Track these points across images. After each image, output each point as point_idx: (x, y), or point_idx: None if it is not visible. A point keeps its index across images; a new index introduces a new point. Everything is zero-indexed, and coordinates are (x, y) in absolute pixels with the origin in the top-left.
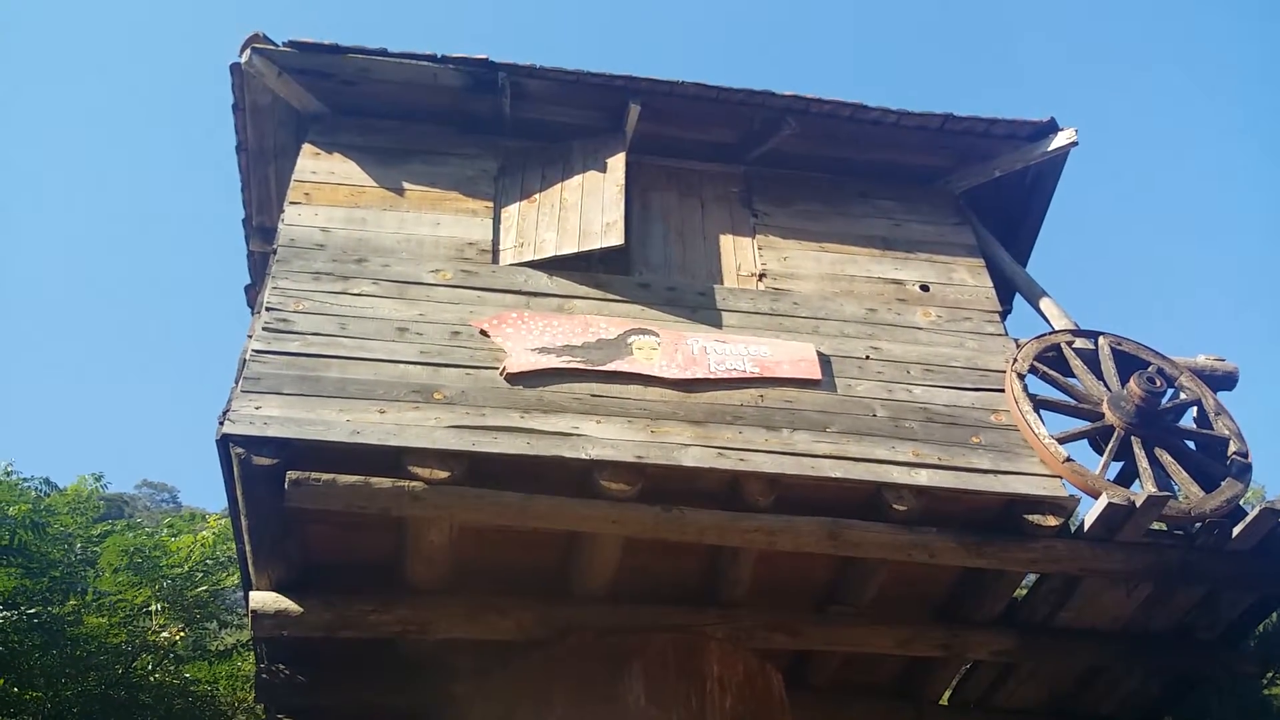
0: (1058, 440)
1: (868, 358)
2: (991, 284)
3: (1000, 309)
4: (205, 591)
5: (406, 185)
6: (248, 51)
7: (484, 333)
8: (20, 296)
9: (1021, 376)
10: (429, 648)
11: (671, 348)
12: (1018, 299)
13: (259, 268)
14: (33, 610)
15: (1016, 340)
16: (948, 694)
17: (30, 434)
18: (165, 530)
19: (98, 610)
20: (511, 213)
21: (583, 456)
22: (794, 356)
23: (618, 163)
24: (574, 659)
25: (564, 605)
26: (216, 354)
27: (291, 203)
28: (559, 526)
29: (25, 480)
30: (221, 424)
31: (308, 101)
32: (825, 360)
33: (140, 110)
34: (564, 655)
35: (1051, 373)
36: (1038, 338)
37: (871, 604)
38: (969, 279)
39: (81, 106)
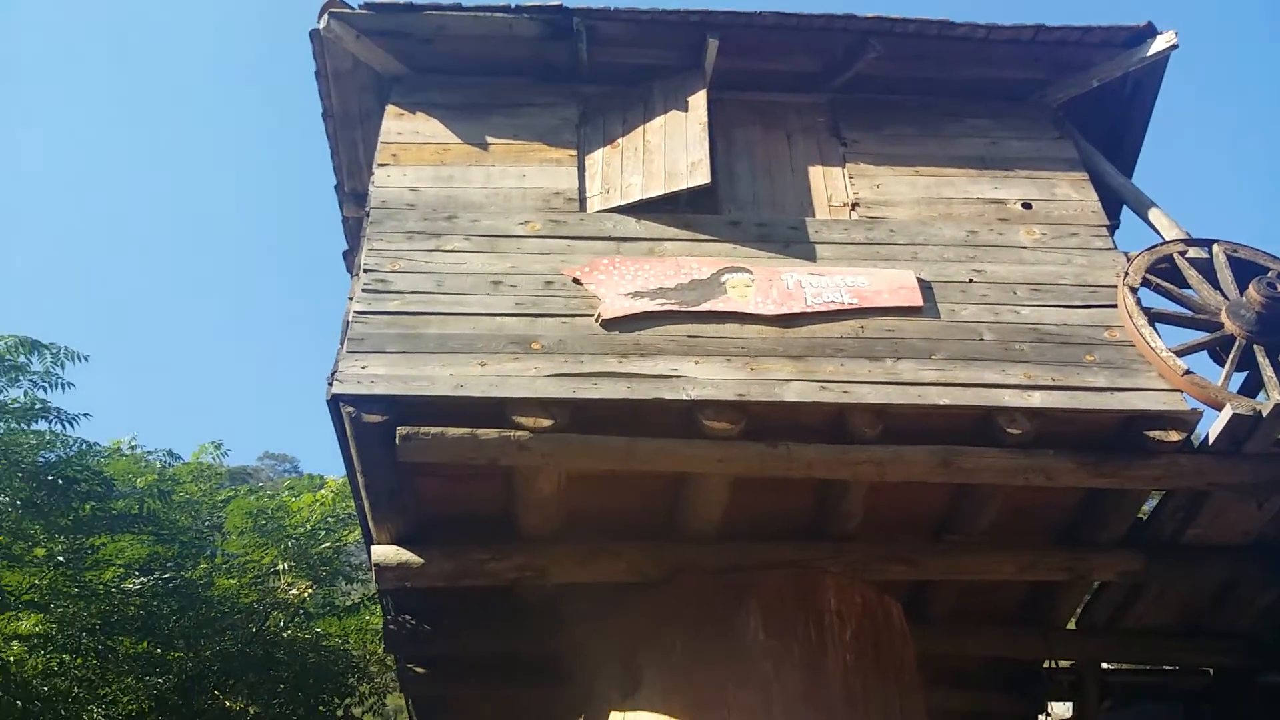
0: (1176, 353)
1: (971, 281)
2: (1096, 197)
3: (1107, 223)
4: (329, 548)
5: (490, 139)
6: (325, 16)
7: (576, 281)
8: (143, 284)
9: (1134, 290)
10: (547, 593)
11: (766, 284)
12: (1125, 211)
13: (354, 233)
14: (167, 575)
15: (1126, 254)
16: (1075, 618)
17: (156, 414)
18: (286, 492)
19: (227, 572)
20: (595, 159)
21: (683, 398)
22: (893, 284)
23: (699, 100)
24: (690, 597)
25: (676, 546)
26: (328, 323)
27: (380, 165)
28: (665, 468)
29: (149, 453)
30: (330, 385)
31: (388, 63)
32: (926, 286)
33: (244, 89)
34: (680, 594)
35: (1165, 284)
36: (1148, 249)
37: (989, 530)
38: (1073, 194)
39: (186, 88)
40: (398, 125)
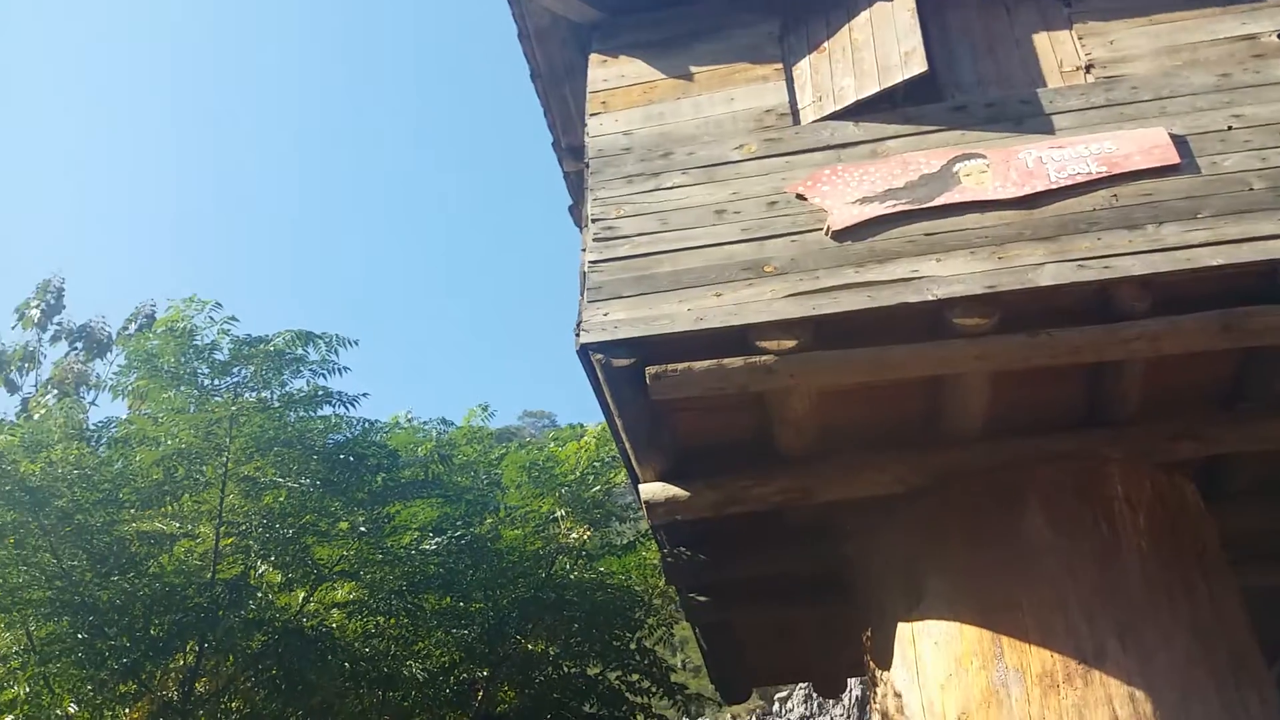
0: None
1: (1230, 129)
2: None
3: None
4: (599, 492)
5: (694, 69)
6: None
7: (800, 196)
8: (397, 267)
9: None
10: (816, 512)
11: (1003, 166)
12: None
13: (576, 187)
14: (458, 533)
15: None
16: None
17: (421, 386)
18: (552, 443)
19: (511, 524)
20: (803, 69)
21: (929, 298)
22: (1144, 145)
23: None
24: (964, 502)
25: (941, 451)
26: (566, 280)
27: (591, 115)
28: (919, 374)
29: (425, 423)
30: (578, 335)
31: (584, 11)
32: (1181, 141)
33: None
34: (954, 498)
35: None
36: None
37: None
38: None
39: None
40: (602, 72)
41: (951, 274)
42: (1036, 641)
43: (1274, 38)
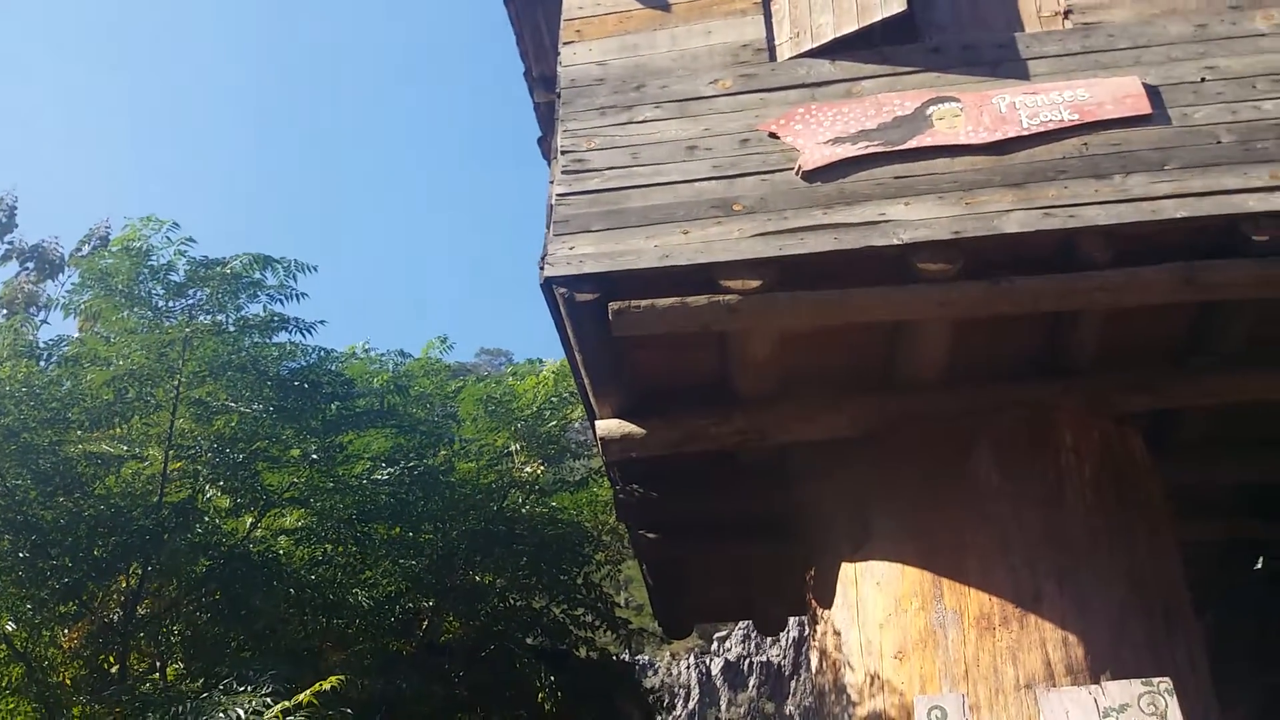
0: None
1: (1203, 80)
2: None
3: None
4: (555, 427)
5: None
6: None
7: (773, 135)
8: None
9: None
10: (771, 453)
11: (976, 111)
12: None
13: (547, 118)
14: (411, 464)
15: None
16: None
17: (386, 323)
18: (510, 378)
19: (465, 457)
20: (781, 4)
21: (895, 242)
22: (1117, 94)
23: None
24: (918, 446)
25: (899, 395)
26: (532, 217)
27: (565, 43)
28: (881, 318)
29: (381, 354)
30: (542, 269)
31: None
32: (1153, 92)
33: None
34: (907, 443)
35: None
36: None
37: (1242, 348)
38: None
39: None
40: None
41: (918, 218)
42: (977, 584)
43: None
